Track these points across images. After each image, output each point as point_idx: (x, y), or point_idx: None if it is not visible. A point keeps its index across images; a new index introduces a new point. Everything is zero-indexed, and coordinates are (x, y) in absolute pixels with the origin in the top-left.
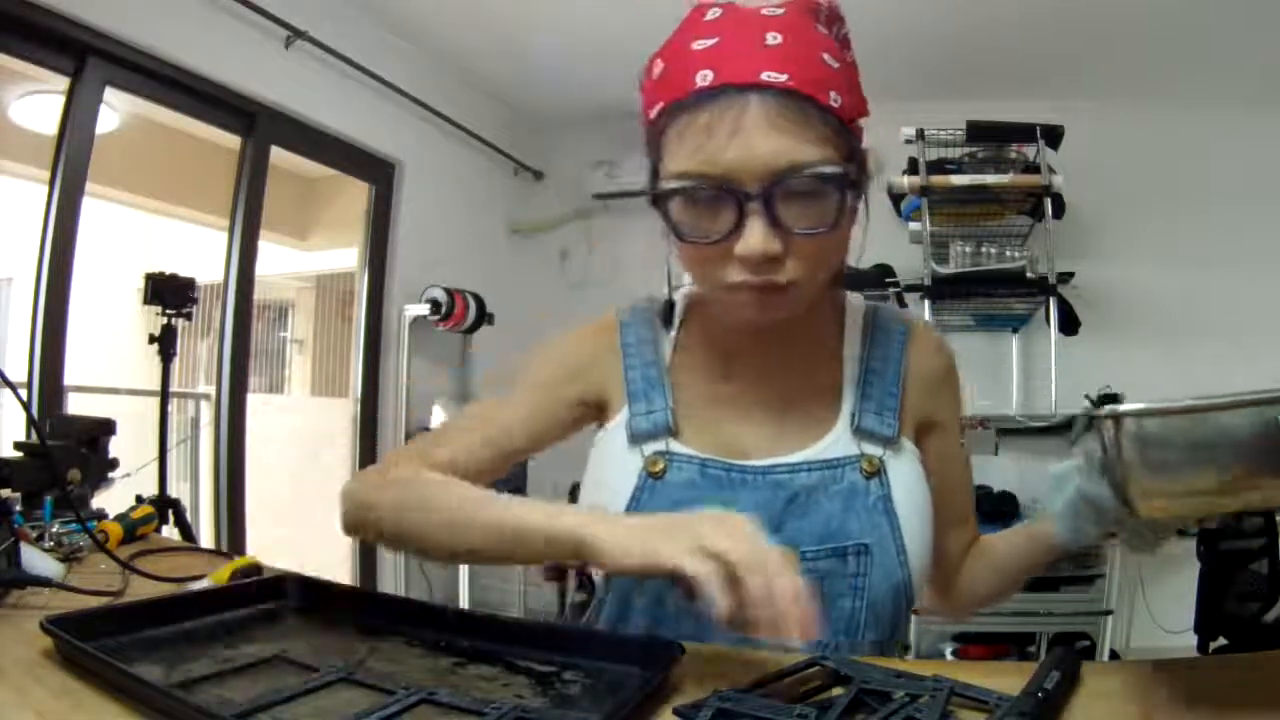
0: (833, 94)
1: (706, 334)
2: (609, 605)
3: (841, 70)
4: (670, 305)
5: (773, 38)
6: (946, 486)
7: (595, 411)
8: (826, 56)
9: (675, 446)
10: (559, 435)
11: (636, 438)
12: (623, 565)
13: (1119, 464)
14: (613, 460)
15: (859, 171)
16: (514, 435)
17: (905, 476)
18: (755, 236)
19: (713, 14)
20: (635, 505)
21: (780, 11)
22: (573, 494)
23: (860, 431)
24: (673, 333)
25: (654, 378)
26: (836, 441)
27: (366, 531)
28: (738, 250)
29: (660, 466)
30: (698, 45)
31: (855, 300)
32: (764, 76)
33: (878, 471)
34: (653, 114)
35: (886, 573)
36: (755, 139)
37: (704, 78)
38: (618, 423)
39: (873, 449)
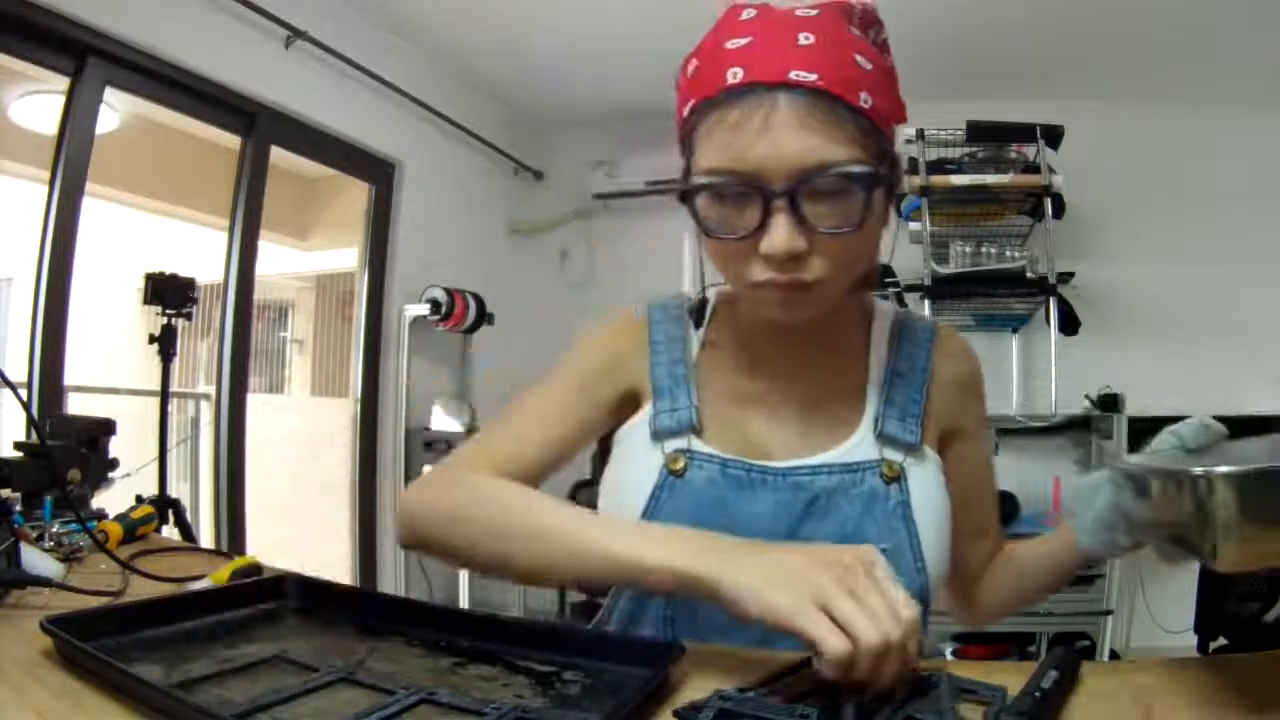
0: (863, 95)
1: (734, 332)
2: (623, 603)
3: (875, 72)
4: (703, 303)
5: (805, 38)
6: (968, 495)
7: (629, 408)
8: (859, 58)
9: (697, 445)
10: (596, 437)
11: (659, 435)
12: (749, 613)
13: (1205, 524)
14: (634, 457)
15: (890, 173)
16: (552, 442)
17: (925, 484)
18: (779, 234)
19: (747, 14)
20: (655, 503)
21: (814, 13)
22: (573, 494)
23: (883, 436)
24: (701, 331)
25: (680, 375)
26: (858, 445)
27: (433, 550)
28: (762, 248)
29: (681, 465)
30: (731, 44)
31: (885, 306)
32: (793, 75)
33: (898, 477)
34: (685, 111)
35: (904, 579)
36: (783, 137)
37: (734, 75)
38: (641, 419)
39: (894, 454)
